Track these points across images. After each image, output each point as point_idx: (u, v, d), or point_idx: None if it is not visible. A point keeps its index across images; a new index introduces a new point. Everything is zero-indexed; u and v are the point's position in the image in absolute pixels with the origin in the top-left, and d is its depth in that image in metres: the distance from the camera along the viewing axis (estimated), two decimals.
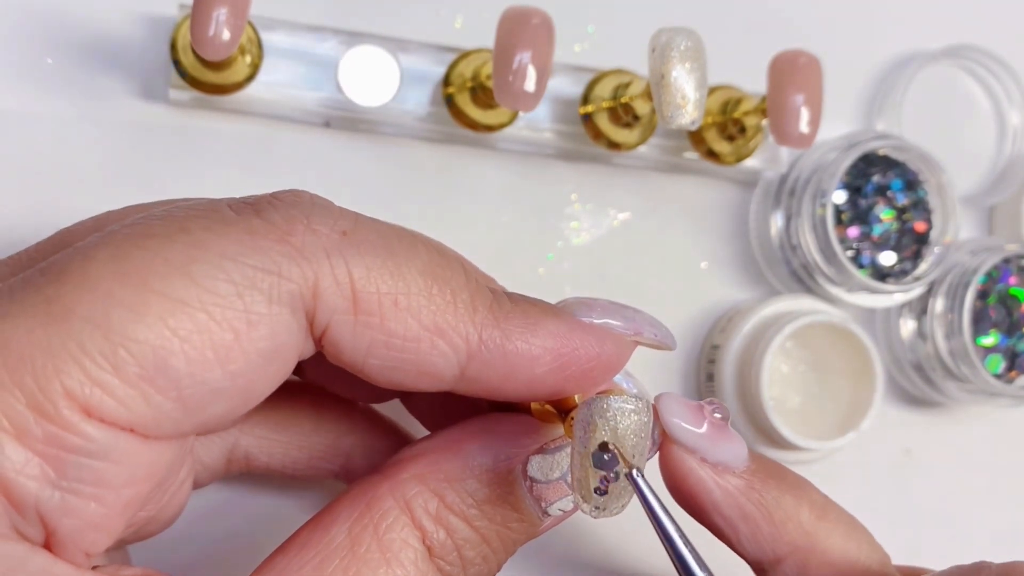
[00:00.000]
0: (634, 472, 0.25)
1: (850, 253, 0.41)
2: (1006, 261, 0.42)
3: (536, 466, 0.27)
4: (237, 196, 0.26)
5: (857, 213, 0.41)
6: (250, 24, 0.36)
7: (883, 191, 0.41)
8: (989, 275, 0.42)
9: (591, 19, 0.41)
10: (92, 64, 0.37)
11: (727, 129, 0.40)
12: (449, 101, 0.38)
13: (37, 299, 0.23)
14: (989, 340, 0.42)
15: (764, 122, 0.40)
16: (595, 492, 0.25)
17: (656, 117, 0.38)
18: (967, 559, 0.44)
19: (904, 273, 0.41)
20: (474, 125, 0.38)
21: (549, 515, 0.27)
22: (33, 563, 0.23)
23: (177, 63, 0.36)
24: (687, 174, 0.42)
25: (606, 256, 0.41)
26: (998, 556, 0.45)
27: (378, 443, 0.34)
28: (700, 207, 0.42)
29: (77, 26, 0.37)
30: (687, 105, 0.35)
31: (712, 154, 0.40)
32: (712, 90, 0.40)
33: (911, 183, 0.41)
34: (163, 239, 0.24)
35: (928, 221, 0.41)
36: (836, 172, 0.40)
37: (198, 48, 0.32)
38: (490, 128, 0.38)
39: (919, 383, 0.43)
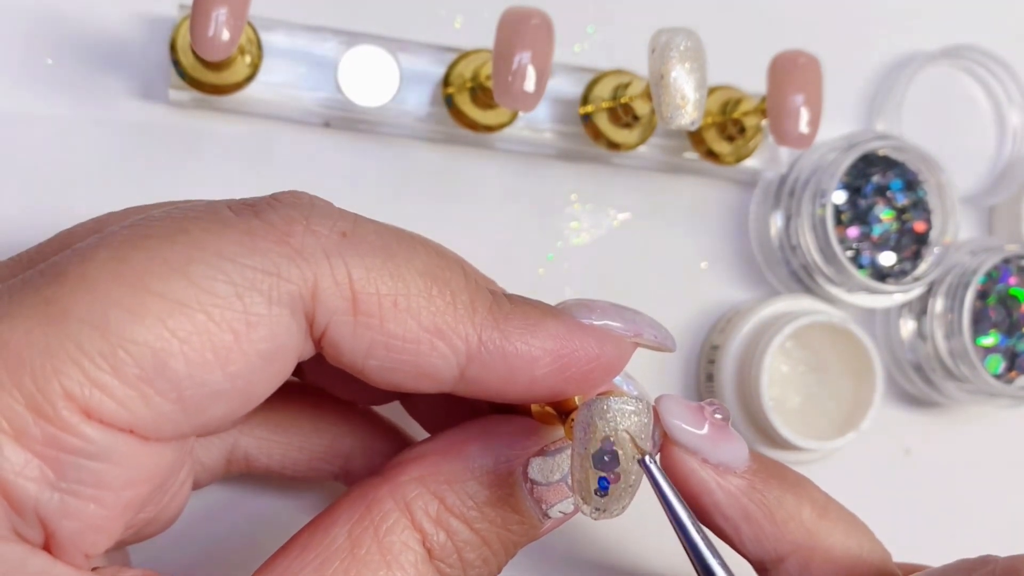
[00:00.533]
0: (647, 459, 0.25)
1: (850, 253, 0.41)
2: (1006, 261, 0.42)
3: (537, 468, 0.27)
4: (237, 197, 0.26)
5: (857, 213, 0.41)
6: (250, 24, 0.36)
7: (883, 191, 0.41)
8: (989, 275, 0.42)
9: (591, 19, 0.41)
10: (92, 64, 0.37)
11: (727, 129, 0.40)
12: (449, 101, 0.38)
13: (36, 300, 0.23)
14: (989, 340, 0.42)
15: (764, 122, 0.40)
16: (595, 494, 0.25)
17: (656, 117, 0.38)
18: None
19: (904, 273, 0.41)
20: (474, 125, 0.38)
21: (549, 517, 0.27)
22: (32, 564, 0.22)
23: (177, 63, 0.36)
24: (687, 174, 0.42)
25: (606, 256, 0.41)
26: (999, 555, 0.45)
27: (378, 445, 0.34)
28: (700, 207, 0.42)
29: (77, 26, 0.37)
30: (687, 105, 0.35)
31: (712, 154, 0.40)
32: (712, 90, 0.40)
33: (911, 183, 0.41)
34: (161, 240, 0.24)
35: (928, 221, 0.41)
36: (836, 172, 0.40)
37: (198, 48, 0.32)
38: (490, 128, 0.38)
39: (919, 383, 0.43)
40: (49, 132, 0.36)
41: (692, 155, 0.41)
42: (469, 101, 0.38)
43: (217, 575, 0.36)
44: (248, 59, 0.36)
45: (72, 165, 0.36)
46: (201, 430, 0.25)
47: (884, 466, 0.44)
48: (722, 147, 0.40)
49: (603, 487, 0.25)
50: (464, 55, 0.38)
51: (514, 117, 0.38)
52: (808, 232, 0.40)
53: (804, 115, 0.37)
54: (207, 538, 0.36)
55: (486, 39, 0.37)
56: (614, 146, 0.39)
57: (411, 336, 0.25)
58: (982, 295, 0.42)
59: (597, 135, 0.39)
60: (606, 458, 0.25)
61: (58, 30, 0.37)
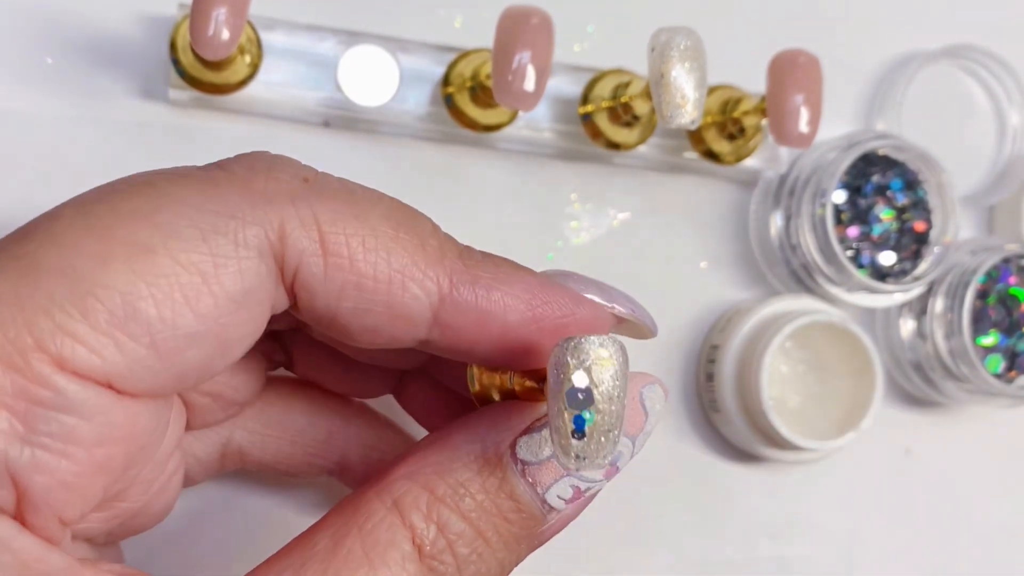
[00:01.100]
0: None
1: (850, 253, 0.41)
2: (1006, 261, 0.42)
3: (524, 447, 0.26)
4: None
5: (857, 213, 0.41)
6: (250, 24, 0.36)
7: (883, 191, 0.41)
8: (989, 275, 0.42)
9: (591, 19, 0.41)
10: (92, 64, 0.37)
11: (727, 129, 0.40)
12: (449, 101, 0.38)
13: (4, 258, 0.23)
14: (989, 340, 0.42)
15: (764, 122, 0.40)
16: (573, 436, 0.24)
17: (656, 117, 0.38)
18: (967, 559, 0.44)
19: (904, 273, 0.41)
20: (474, 125, 0.38)
21: (549, 504, 0.26)
22: None
23: (177, 63, 0.36)
24: (687, 174, 0.42)
25: (606, 256, 0.41)
26: (998, 556, 0.45)
27: (372, 439, 0.34)
28: (700, 207, 0.42)
29: (77, 26, 0.37)
30: (687, 105, 0.35)
31: (712, 154, 0.40)
32: (712, 90, 0.40)
33: (911, 183, 0.41)
34: (126, 193, 0.24)
35: (928, 221, 0.41)
36: (836, 172, 0.40)
37: (197, 48, 0.32)
38: (489, 128, 0.38)
39: (919, 383, 0.43)
40: (49, 132, 0.36)
41: (692, 155, 0.41)
42: (469, 101, 0.38)
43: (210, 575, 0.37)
44: (248, 59, 0.36)
45: (72, 165, 0.36)
46: (179, 380, 0.24)
47: (884, 466, 0.44)
48: (722, 147, 0.40)
49: (579, 427, 0.24)
50: (464, 55, 0.38)
51: (514, 117, 0.38)
52: (808, 232, 0.40)
53: (804, 115, 0.37)
54: (202, 539, 0.36)
55: (486, 38, 0.37)
56: (614, 146, 0.39)
57: (382, 276, 0.25)
58: (982, 295, 0.42)
59: (597, 135, 0.39)
60: (580, 395, 0.23)
61: (58, 30, 0.37)
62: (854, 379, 0.41)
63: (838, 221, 0.41)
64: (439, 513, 0.25)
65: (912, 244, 0.41)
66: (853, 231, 0.41)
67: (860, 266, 0.41)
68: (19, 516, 0.23)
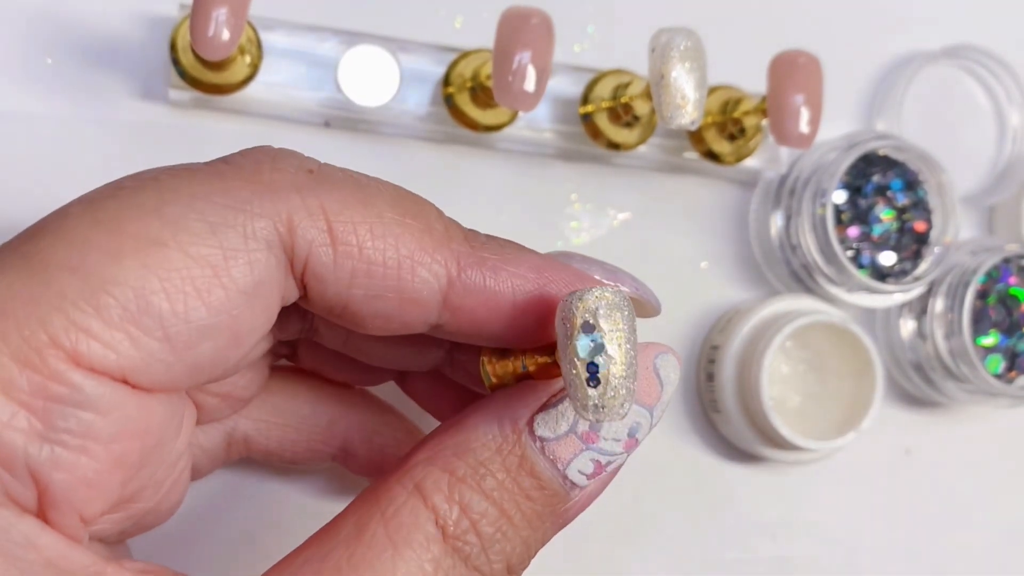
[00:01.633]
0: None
1: (850, 253, 0.41)
2: (1006, 261, 0.42)
3: (542, 423, 0.26)
4: None
5: (857, 213, 0.41)
6: (250, 24, 0.36)
7: (883, 191, 0.41)
8: (989, 275, 0.42)
9: (591, 19, 0.41)
10: (92, 64, 0.37)
11: (727, 129, 0.40)
12: (449, 101, 0.38)
13: (15, 256, 0.23)
14: (989, 340, 0.42)
15: (764, 122, 0.40)
16: (588, 385, 0.24)
17: (656, 117, 0.38)
18: (967, 559, 0.44)
19: (904, 273, 0.41)
20: (474, 125, 0.38)
21: (571, 480, 0.26)
22: (17, 530, 0.22)
23: (177, 63, 0.36)
24: (687, 174, 0.42)
25: (606, 256, 0.41)
26: (998, 556, 0.45)
27: (375, 425, 0.34)
28: (700, 207, 0.42)
29: (77, 26, 0.37)
30: (687, 105, 0.35)
31: (712, 154, 0.40)
32: (712, 90, 0.40)
33: (911, 183, 0.41)
34: (134, 189, 0.24)
35: (928, 221, 0.41)
36: (836, 172, 0.40)
37: (198, 48, 0.32)
38: (490, 128, 0.38)
39: (919, 383, 0.43)
40: (49, 132, 0.36)
41: (692, 155, 0.41)
42: (469, 101, 0.38)
43: (219, 570, 0.37)
44: (248, 59, 0.36)
45: (72, 165, 0.36)
46: (193, 374, 0.24)
47: (884, 466, 0.44)
48: (722, 147, 0.40)
49: (593, 374, 0.23)
50: (464, 55, 0.38)
51: (514, 117, 0.38)
52: (808, 232, 0.40)
53: (804, 115, 0.37)
54: (209, 532, 0.36)
55: (486, 39, 0.37)
56: (614, 146, 0.39)
57: (391, 261, 0.25)
58: (982, 295, 0.42)
59: (597, 135, 0.39)
60: (591, 342, 0.23)
61: (58, 30, 0.37)
62: (854, 379, 0.41)
63: (838, 221, 0.41)
64: (461, 494, 0.25)
65: (912, 244, 0.41)
66: (853, 231, 0.41)
67: (860, 266, 0.41)
68: (41, 514, 0.23)
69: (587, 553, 0.40)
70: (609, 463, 0.26)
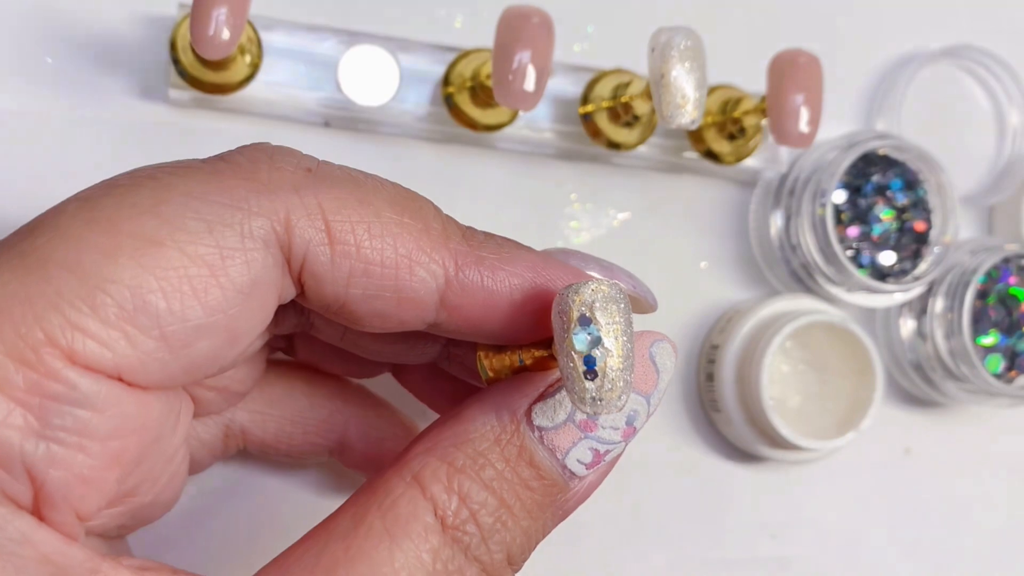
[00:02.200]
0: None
1: (850, 253, 0.41)
2: (1006, 261, 0.42)
3: (540, 413, 0.26)
4: None
5: (857, 213, 0.41)
6: (250, 24, 0.36)
7: (883, 191, 0.41)
8: (989, 275, 0.42)
9: (591, 19, 0.41)
10: (92, 64, 0.37)
11: (727, 129, 0.40)
12: (449, 101, 0.38)
13: (11, 254, 0.23)
14: (989, 340, 0.42)
15: (764, 122, 0.40)
16: (585, 378, 0.24)
17: (656, 117, 0.38)
18: (967, 559, 0.44)
19: (904, 273, 0.41)
20: (474, 125, 0.38)
21: (570, 470, 0.26)
22: (13, 527, 0.22)
23: (177, 63, 0.36)
24: (687, 174, 0.42)
25: (606, 256, 0.41)
26: (998, 556, 0.45)
27: (370, 418, 0.34)
28: (700, 207, 0.42)
29: (77, 26, 0.37)
30: (687, 105, 0.35)
31: (712, 154, 0.40)
32: (712, 90, 0.40)
33: (911, 183, 0.41)
34: (130, 187, 0.24)
35: (928, 221, 0.41)
36: (836, 172, 0.40)
37: (198, 47, 0.32)
38: (490, 128, 0.38)
39: (919, 383, 0.43)
40: (49, 132, 0.36)
41: (692, 155, 0.41)
42: (469, 101, 0.38)
43: (217, 566, 0.37)
44: (248, 58, 0.36)
45: (72, 165, 0.36)
46: (189, 372, 0.24)
47: (884, 466, 0.44)
48: (722, 147, 0.40)
49: (591, 367, 0.23)
50: (464, 54, 0.38)
51: (514, 117, 0.38)
52: (808, 232, 0.40)
53: (804, 114, 0.37)
54: (207, 529, 0.36)
55: (486, 38, 0.37)
56: (614, 146, 0.39)
57: (388, 261, 0.25)
58: (982, 294, 0.42)
59: (597, 134, 0.39)
60: (587, 335, 0.24)
61: (58, 30, 0.37)
62: (854, 379, 0.41)
63: (838, 221, 0.41)
64: (460, 484, 0.25)
65: (912, 244, 0.41)
66: (853, 231, 0.41)
67: (860, 266, 0.41)
68: (36, 511, 0.23)
69: (587, 553, 0.40)
70: (608, 452, 0.26)
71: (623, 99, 0.38)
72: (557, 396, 0.26)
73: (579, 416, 0.26)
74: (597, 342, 0.24)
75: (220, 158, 0.25)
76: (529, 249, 0.27)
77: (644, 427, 0.27)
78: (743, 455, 0.42)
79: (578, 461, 0.26)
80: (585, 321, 0.24)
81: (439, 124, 0.38)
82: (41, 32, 0.37)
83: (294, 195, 0.25)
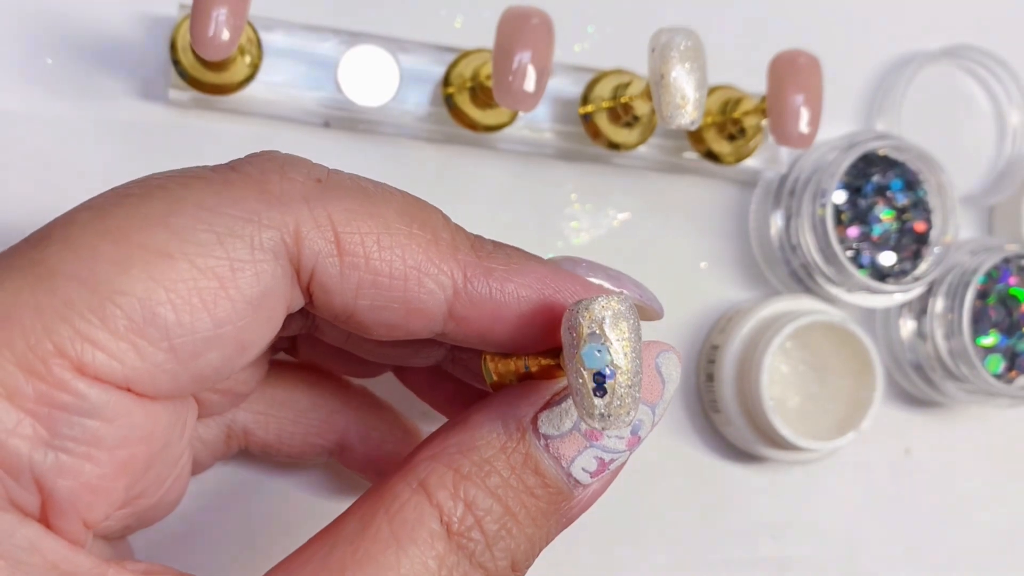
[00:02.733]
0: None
1: (850, 253, 0.41)
2: (1006, 261, 0.42)
3: (546, 421, 0.26)
4: None
5: (857, 213, 0.41)
6: (250, 24, 0.36)
7: (883, 191, 0.41)
8: (989, 275, 0.42)
9: (591, 19, 0.41)
10: (92, 64, 0.37)
11: (727, 129, 0.40)
12: (449, 101, 0.38)
13: (22, 263, 0.23)
14: (989, 340, 0.42)
15: (764, 122, 0.40)
16: (595, 395, 0.24)
17: (656, 117, 0.38)
18: (967, 559, 0.44)
19: (904, 273, 0.41)
20: (474, 125, 0.38)
21: (575, 478, 0.26)
22: (21, 535, 0.22)
23: (177, 63, 0.36)
24: (687, 174, 0.42)
25: (606, 256, 0.41)
26: (998, 556, 0.45)
27: (372, 421, 0.34)
28: (700, 207, 0.42)
29: (77, 26, 0.37)
30: (687, 105, 0.35)
31: (712, 154, 0.40)
32: (712, 90, 0.40)
33: (911, 183, 0.41)
34: (141, 197, 0.24)
35: (928, 221, 0.41)
36: (836, 172, 0.40)
37: (198, 48, 0.32)
38: (490, 128, 0.38)
39: (919, 383, 0.43)
40: (49, 132, 0.36)
41: (692, 155, 0.41)
42: (469, 101, 0.38)
43: (220, 569, 0.37)
44: (248, 59, 0.36)
45: (72, 165, 0.36)
46: (198, 382, 0.24)
47: (884, 466, 0.44)
48: (722, 147, 0.40)
49: (600, 384, 0.24)
50: (464, 55, 0.38)
51: (514, 117, 0.38)
52: (808, 232, 0.40)
53: (804, 115, 0.37)
54: (210, 532, 0.36)
55: (486, 39, 0.37)
56: (614, 146, 0.39)
57: (397, 273, 0.25)
58: (982, 295, 0.42)
59: (597, 135, 0.39)
60: (597, 352, 0.24)
61: (58, 30, 0.37)
62: (854, 379, 0.41)
63: (838, 221, 0.41)
64: (466, 490, 0.25)
65: (912, 244, 0.41)
66: (853, 231, 0.41)
67: (860, 266, 0.41)
68: (44, 520, 0.23)
69: (587, 553, 0.40)
70: (612, 461, 0.26)
71: (623, 99, 0.38)
72: (563, 404, 0.26)
73: (584, 425, 0.26)
74: (607, 359, 0.24)
75: (231, 167, 0.25)
76: (538, 260, 0.27)
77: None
78: (743, 455, 0.42)
79: (583, 469, 0.26)
80: (595, 338, 0.24)
81: (439, 124, 0.38)
82: (41, 32, 0.37)
83: (304, 206, 0.25)
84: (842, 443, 0.40)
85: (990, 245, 0.43)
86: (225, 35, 0.32)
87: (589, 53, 0.41)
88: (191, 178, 0.25)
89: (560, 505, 0.26)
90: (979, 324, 0.42)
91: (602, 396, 0.24)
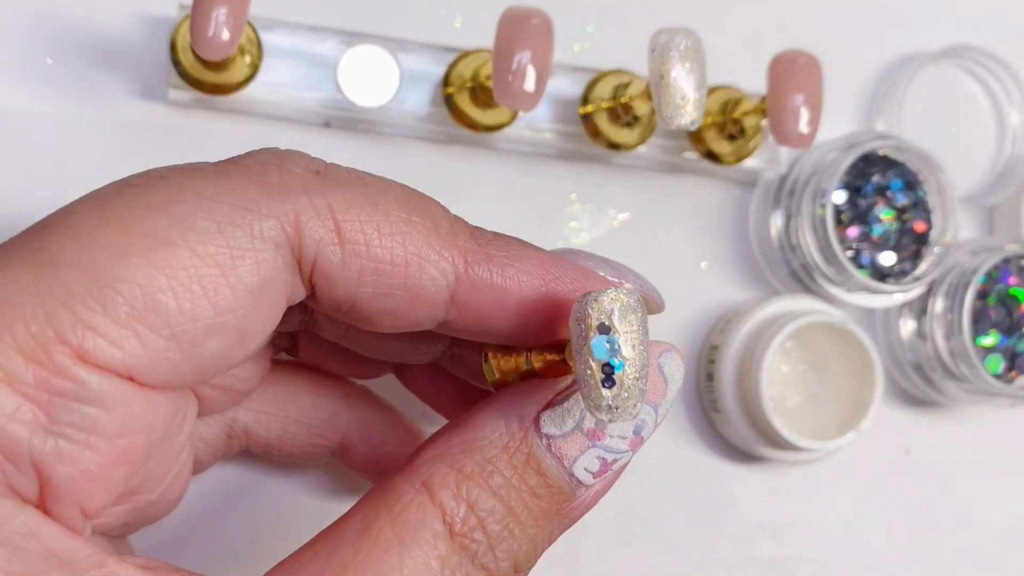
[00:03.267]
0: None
1: (850, 253, 0.41)
2: (1006, 261, 0.42)
3: (548, 420, 0.26)
4: None
5: (857, 213, 0.41)
6: (250, 24, 0.36)
7: (883, 191, 0.41)
8: (989, 275, 0.42)
9: (591, 19, 0.41)
10: (92, 64, 0.37)
11: (727, 129, 0.40)
12: (449, 101, 0.38)
13: (23, 251, 0.23)
14: (989, 340, 0.42)
15: (764, 122, 0.40)
16: (603, 386, 0.24)
17: (656, 117, 0.38)
18: (967, 559, 0.44)
19: (904, 273, 0.41)
20: (474, 125, 0.38)
21: (577, 479, 0.26)
22: (19, 520, 0.22)
23: (177, 63, 0.36)
24: (687, 174, 0.42)
25: (606, 256, 0.41)
26: (998, 556, 0.45)
27: (374, 421, 0.34)
28: (700, 207, 0.42)
29: (77, 26, 0.37)
30: (687, 105, 0.35)
31: (712, 154, 0.40)
32: (712, 90, 0.40)
33: (911, 183, 0.41)
34: (142, 187, 0.24)
35: (928, 221, 0.41)
36: (836, 172, 0.40)
37: (198, 48, 0.32)
38: (490, 128, 0.38)
39: (919, 383, 0.43)
40: (49, 131, 0.36)
41: (692, 155, 0.41)
42: (469, 101, 0.38)
43: (221, 568, 0.37)
44: (248, 59, 0.36)
45: (72, 165, 0.36)
46: (198, 372, 0.25)
47: (884, 466, 0.44)
48: (722, 147, 0.40)
49: (608, 375, 0.24)
50: (464, 55, 0.38)
51: (514, 117, 0.38)
52: (808, 232, 0.40)
53: (804, 115, 0.37)
54: (210, 531, 0.37)
55: (486, 39, 0.37)
56: (614, 146, 0.39)
57: (399, 259, 0.25)
58: (982, 295, 0.42)
59: (597, 135, 0.39)
60: (606, 344, 0.24)
61: (58, 30, 0.37)
62: (854, 379, 0.41)
63: (838, 221, 0.41)
64: (468, 491, 0.25)
65: (912, 244, 0.41)
66: (853, 231, 0.41)
67: (860, 266, 0.41)
68: (41, 506, 0.23)
69: (587, 553, 0.40)
70: (615, 461, 0.26)
71: (623, 100, 0.38)
72: (565, 404, 0.26)
73: (587, 425, 0.26)
74: (616, 351, 0.24)
75: (230, 161, 0.26)
76: (538, 248, 0.27)
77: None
78: (743, 455, 0.42)
79: (585, 470, 0.26)
80: (604, 329, 0.24)
81: (439, 125, 0.38)
82: (41, 32, 0.37)
83: (303, 196, 0.25)
84: (842, 443, 0.40)
85: (990, 245, 0.43)
86: (225, 35, 0.32)
87: (589, 53, 0.41)
88: (191, 170, 0.25)
89: (562, 505, 0.26)
90: (979, 324, 0.42)
91: (610, 387, 0.24)
